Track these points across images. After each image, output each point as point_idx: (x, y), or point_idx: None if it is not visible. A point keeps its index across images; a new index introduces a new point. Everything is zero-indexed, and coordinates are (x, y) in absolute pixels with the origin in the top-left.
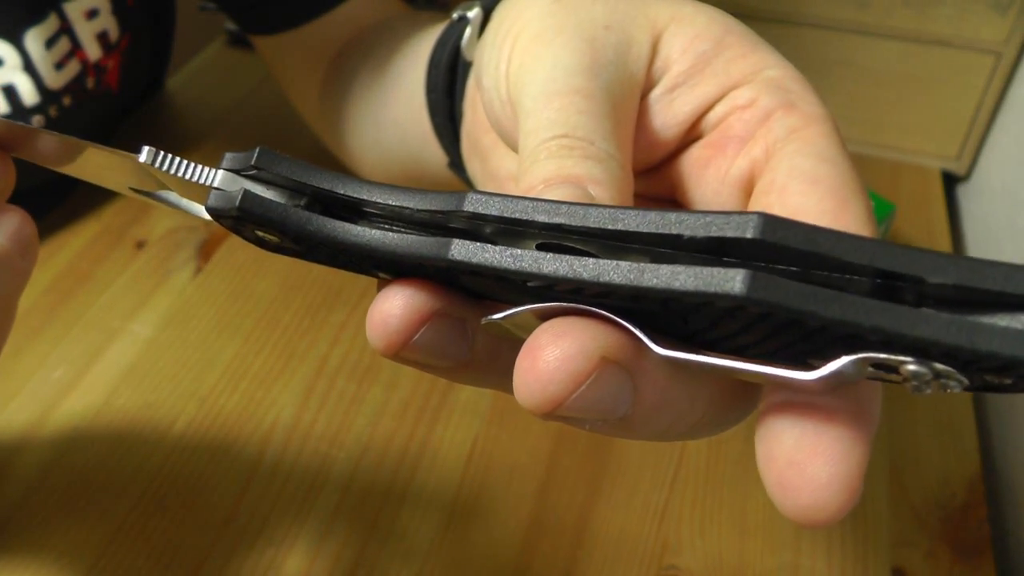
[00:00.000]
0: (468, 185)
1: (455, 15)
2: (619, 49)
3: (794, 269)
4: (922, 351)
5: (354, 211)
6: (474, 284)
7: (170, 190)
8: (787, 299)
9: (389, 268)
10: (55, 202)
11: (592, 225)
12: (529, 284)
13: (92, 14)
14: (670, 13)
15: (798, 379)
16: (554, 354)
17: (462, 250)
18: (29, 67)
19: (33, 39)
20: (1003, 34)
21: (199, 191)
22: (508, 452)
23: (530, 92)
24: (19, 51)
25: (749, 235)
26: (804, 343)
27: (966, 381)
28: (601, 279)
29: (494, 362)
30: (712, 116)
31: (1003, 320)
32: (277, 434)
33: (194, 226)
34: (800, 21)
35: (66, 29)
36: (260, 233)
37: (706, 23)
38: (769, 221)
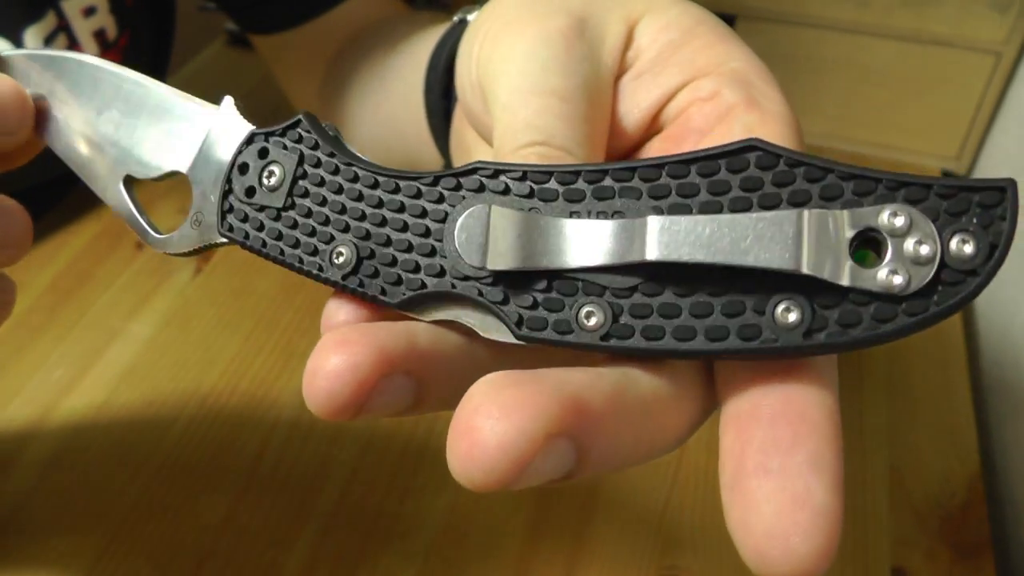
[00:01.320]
0: None
1: (456, 18)
2: (594, 42)
3: None
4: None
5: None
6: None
7: (141, 212)
8: (787, 152)
9: (370, 228)
10: (55, 201)
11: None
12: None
13: (89, 12)
14: (645, 4)
15: (786, 267)
16: (494, 440)
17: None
18: None
19: (31, 37)
20: (1003, 34)
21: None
22: None
23: (504, 84)
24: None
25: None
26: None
27: (936, 238)
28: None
29: (445, 397)
30: (673, 106)
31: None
32: (277, 434)
33: None
34: (800, 21)
35: (64, 27)
36: (271, 168)
37: (678, 14)
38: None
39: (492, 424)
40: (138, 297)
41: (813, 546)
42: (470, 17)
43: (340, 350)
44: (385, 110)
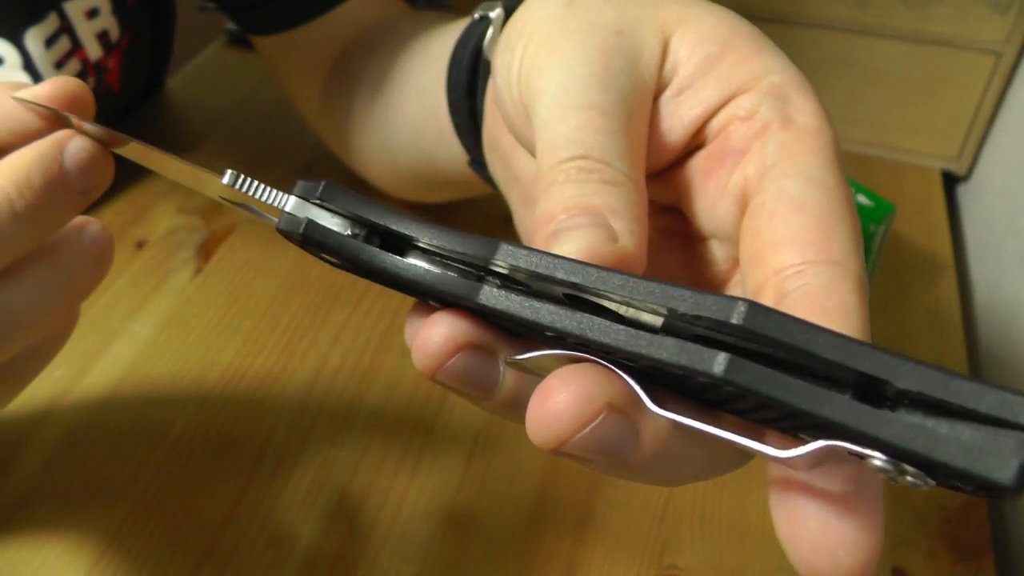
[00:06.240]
0: (489, 183)
1: (476, 15)
2: (631, 55)
3: (781, 355)
4: (887, 451)
5: (408, 244)
6: (504, 324)
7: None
8: (759, 384)
9: (434, 299)
10: None
11: (604, 289)
12: (547, 333)
13: (92, 14)
14: (679, 15)
15: (776, 456)
16: (563, 395)
17: (488, 296)
18: (29, 66)
19: (33, 38)
20: (1003, 34)
21: (272, 211)
22: (508, 452)
23: (544, 101)
24: (19, 50)
25: (734, 320)
26: (789, 420)
27: (932, 482)
28: (601, 339)
29: (519, 399)
30: (715, 123)
31: (967, 431)
32: (277, 434)
33: (194, 226)
34: (800, 21)
35: (66, 28)
36: (323, 255)
37: (713, 25)
38: (752, 310)
39: (564, 385)
40: (138, 297)
41: (858, 559)
42: (491, 15)
43: (446, 315)
44: (398, 112)
